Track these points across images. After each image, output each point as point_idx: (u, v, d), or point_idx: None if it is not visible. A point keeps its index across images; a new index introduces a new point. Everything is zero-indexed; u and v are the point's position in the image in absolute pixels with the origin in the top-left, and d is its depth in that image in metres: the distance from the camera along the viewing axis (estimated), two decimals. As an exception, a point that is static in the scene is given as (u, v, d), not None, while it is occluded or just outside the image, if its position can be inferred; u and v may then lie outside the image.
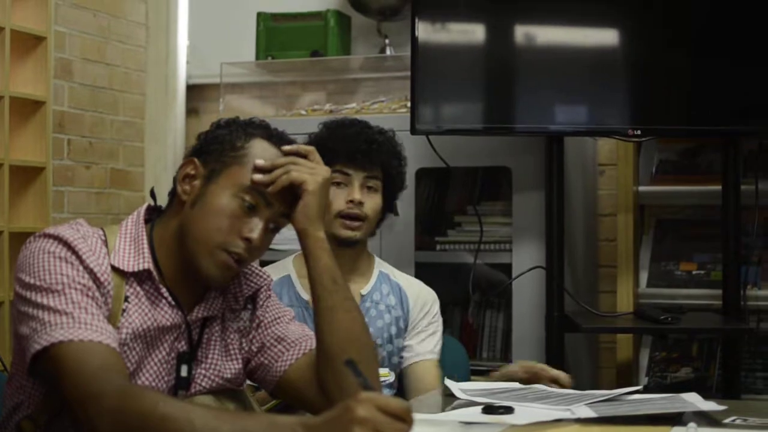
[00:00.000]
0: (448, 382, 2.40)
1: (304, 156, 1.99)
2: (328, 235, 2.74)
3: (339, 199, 2.75)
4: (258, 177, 1.91)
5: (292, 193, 1.95)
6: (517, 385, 2.41)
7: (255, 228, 1.90)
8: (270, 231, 1.94)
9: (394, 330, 2.84)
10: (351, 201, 2.75)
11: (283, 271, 2.82)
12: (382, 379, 2.74)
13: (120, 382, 1.68)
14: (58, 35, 4.19)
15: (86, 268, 1.81)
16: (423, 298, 2.90)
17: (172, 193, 1.97)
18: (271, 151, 1.95)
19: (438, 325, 2.90)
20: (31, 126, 3.97)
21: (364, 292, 2.84)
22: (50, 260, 1.80)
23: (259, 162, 1.92)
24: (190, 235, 1.90)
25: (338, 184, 2.76)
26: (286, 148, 1.98)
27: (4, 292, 3.72)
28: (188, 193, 1.93)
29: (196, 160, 1.95)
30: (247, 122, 2.00)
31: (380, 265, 2.92)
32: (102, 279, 1.83)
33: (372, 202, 2.79)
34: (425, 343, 2.86)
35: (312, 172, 1.97)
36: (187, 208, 1.92)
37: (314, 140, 2.81)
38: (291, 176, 1.93)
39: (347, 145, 2.77)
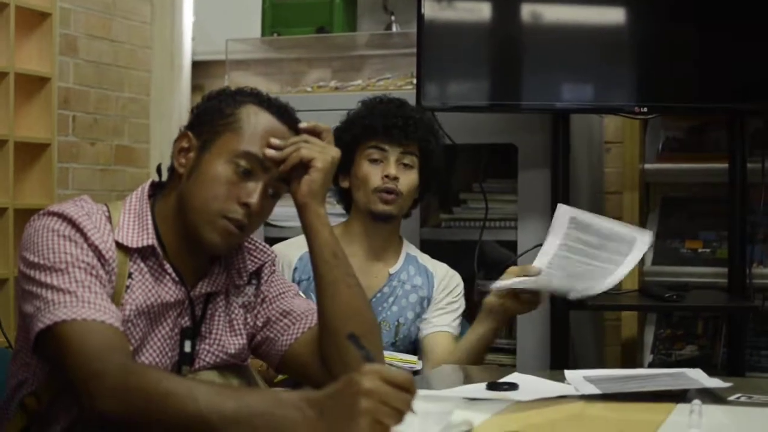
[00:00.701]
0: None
1: (319, 134, 2.00)
2: (365, 211, 2.77)
3: (375, 176, 2.76)
4: (270, 153, 1.91)
5: (295, 166, 1.95)
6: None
7: (253, 192, 1.89)
8: (270, 197, 1.94)
9: (418, 309, 2.84)
10: (386, 176, 2.75)
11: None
12: (409, 366, 2.72)
13: (122, 361, 1.68)
14: (63, 11, 4.18)
15: (91, 245, 1.81)
16: (448, 279, 2.90)
17: (171, 169, 1.97)
18: (262, 116, 1.94)
19: (459, 305, 2.89)
20: (36, 102, 3.97)
21: (392, 271, 2.85)
22: (54, 239, 1.80)
23: (274, 141, 1.92)
24: (188, 206, 1.90)
25: (375, 160, 2.77)
26: (303, 125, 1.99)
27: (9, 269, 3.73)
28: (184, 165, 1.93)
29: (189, 132, 1.95)
30: (237, 90, 2.00)
31: (408, 248, 2.93)
32: (107, 256, 1.83)
33: (407, 179, 2.79)
34: (442, 318, 2.84)
35: (322, 150, 1.97)
36: (184, 181, 1.92)
37: (352, 117, 2.83)
38: (301, 153, 1.93)
39: (384, 120, 2.77)
